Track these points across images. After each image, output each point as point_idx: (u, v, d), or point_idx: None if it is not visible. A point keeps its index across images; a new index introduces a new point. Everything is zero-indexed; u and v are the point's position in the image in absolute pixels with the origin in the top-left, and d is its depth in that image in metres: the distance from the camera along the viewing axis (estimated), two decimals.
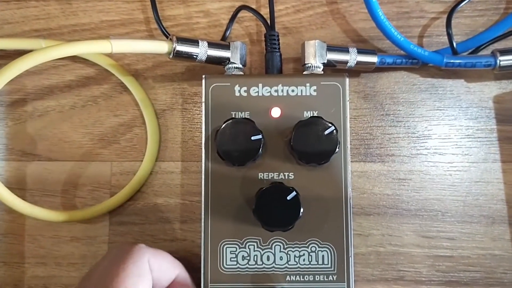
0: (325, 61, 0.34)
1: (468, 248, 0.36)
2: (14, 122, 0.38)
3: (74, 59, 0.38)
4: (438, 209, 0.36)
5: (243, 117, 0.32)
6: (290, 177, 0.31)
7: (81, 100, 0.38)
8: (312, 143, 0.30)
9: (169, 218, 0.37)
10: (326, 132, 0.30)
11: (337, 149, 0.30)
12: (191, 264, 0.34)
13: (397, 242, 0.36)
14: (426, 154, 0.37)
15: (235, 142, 0.30)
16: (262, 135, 0.30)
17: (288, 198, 0.30)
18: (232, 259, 0.31)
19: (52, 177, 0.37)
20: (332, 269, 0.31)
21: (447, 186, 0.37)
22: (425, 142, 0.37)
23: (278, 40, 0.35)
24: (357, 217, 0.36)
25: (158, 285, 0.30)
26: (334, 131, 0.30)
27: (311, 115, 0.31)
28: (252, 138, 0.30)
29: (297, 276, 0.31)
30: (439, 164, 0.37)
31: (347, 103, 0.32)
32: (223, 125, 0.31)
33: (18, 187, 0.37)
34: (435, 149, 0.37)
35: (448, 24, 0.35)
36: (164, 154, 0.37)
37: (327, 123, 0.30)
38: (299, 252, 0.31)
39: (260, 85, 0.32)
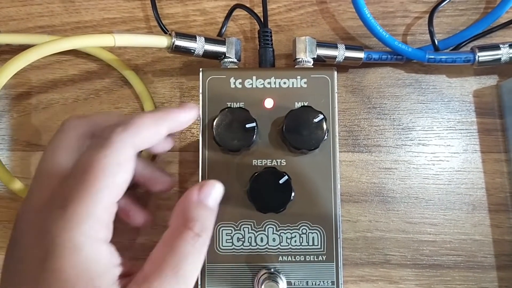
0: (315, 56, 0.36)
1: (450, 233, 0.38)
2: (19, 114, 0.40)
3: (77, 54, 0.40)
4: (422, 197, 0.38)
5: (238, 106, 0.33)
6: (282, 164, 0.33)
7: (84, 93, 0.40)
8: (302, 130, 0.32)
9: (167, 206, 0.38)
10: (316, 120, 0.32)
11: (325, 136, 0.32)
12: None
13: (384, 227, 0.38)
14: (410, 145, 0.39)
15: (231, 130, 0.32)
16: (256, 123, 0.32)
17: (280, 182, 0.32)
18: (227, 241, 0.33)
19: None
20: (322, 249, 0.33)
21: (430, 175, 0.39)
22: (410, 134, 0.39)
23: (271, 36, 0.37)
24: (345, 204, 0.38)
25: (151, 146, 0.29)
26: (323, 119, 0.32)
27: (302, 105, 0.33)
28: (247, 125, 0.32)
29: (289, 257, 0.33)
30: (423, 154, 0.39)
31: (336, 94, 0.34)
32: (220, 114, 0.32)
33: (23, 176, 0.39)
34: (419, 140, 0.39)
35: (430, 23, 0.38)
36: None
37: (316, 112, 0.32)
38: (291, 234, 0.33)
39: (254, 77, 0.34)
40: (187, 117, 0.30)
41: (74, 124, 0.30)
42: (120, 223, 0.28)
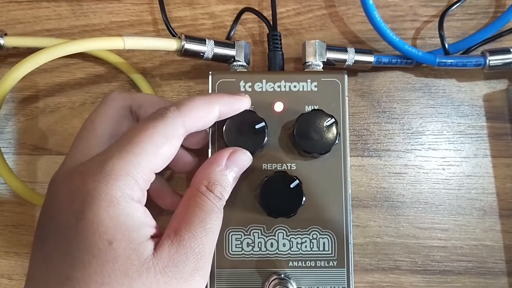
0: (325, 60, 0.36)
1: (461, 239, 0.38)
2: (26, 118, 0.39)
3: (84, 57, 0.39)
4: (432, 202, 0.38)
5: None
6: (293, 168, 0.33)
7: (91, 97, 0.39)
8: (313, 134, 0.32)
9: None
10: (327, 123, 0.32)
11: (337, 140, 0.32)
12: None
13: (393, 233, 0.38)
14: (420, 150, 0.39)
15: (241, 133, 0.32)
16: (265, 123, 0.32)
17: (291, 186, 0.31)
18: (237, 246, 0.33)
19: None
20: (333, 255, 0.32)
21: (441, 180, 0.38)
22: (419, 138, 0.39)
23: (280, 40, 0.37)
24: (355, 209, 0.38)
25: (203, 129, 0.31)
26: (335, 123, 0.32)
27: (313, 108, 0.33)
28: (256, 126, 0.32)
29: (299, 262, 0.32)
30: (433, 159, 0.39)
31: (346, 98, 0.34)
32: (228, 118, 0.32)
33: (29, 180, 0.38)
34: (429, 144, 0.39)
35: (440, 27, 0.37)
36: None
37: (328, 115, 0.32)
38: (301, 239, 0.33)
39: (264, 81, 0.34)
40: (238, 104, 0.32)
41: (113, 97, 0.31)
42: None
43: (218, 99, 0.30)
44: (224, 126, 0.32)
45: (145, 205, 0.28)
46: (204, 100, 0.30)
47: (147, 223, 0.27)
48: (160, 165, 0.28)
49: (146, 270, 0.25)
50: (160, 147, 0.27)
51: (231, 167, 0.30)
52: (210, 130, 0.33)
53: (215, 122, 0.31)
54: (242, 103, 0.32)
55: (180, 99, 0.30)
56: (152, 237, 0.27)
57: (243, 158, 0.31)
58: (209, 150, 0.33)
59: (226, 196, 0.29)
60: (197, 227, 0.27)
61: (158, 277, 0.25)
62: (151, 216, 0.28)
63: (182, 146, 0.33)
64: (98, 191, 0.25)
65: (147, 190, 0.33)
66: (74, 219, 0.25)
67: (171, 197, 0.35)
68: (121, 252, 0.25)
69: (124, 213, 0.25)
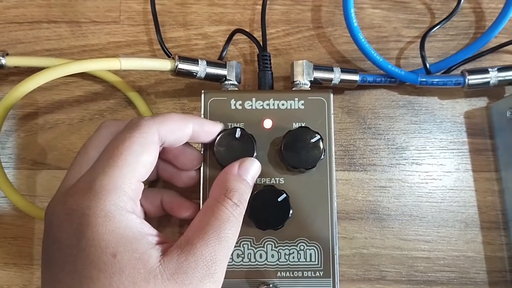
0: (312, 79, 0.38)
1: (443, 250, 0.39)
2: (26, 134, 0.41)
3: (83, 76, 0.41)
4: (416, 214, 0.40)
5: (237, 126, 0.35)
6: (281, 182, 0.34)
7: (89, 114, 0.41)
8: (300, 150, 0.33)
9: (169, 221, 0.39)
10: (313, 140, 0.33)
11: (322, 156, 0.33)
12: None
13: (379, 244, 0.39)
14: (404, 164, 0.40)
15: (230, 149, 0.33)
16: (253, 137, 0.34)
17: (279, 199, 0.33)
18: None
19: None
20: (319, 266, 0.34)
21: (424, 193, 0.40)
22: (404, 153, 0.40)
23: (270, 60, 0.39)
24: (342, 222, 0.39)
25: (177, 144, 0.32)
26: (320, 139, 0.33)
27: (300, 126, 0.35)
28: (244, 140, 0.34)
29: (287, 272, 0.34)
30: (416, 173, 0.40)
31: (332, 115, 0.35)
32: (219, 135, 0.34)
33: (28, 193, 0.40)
34: (412, 159, 0.40)
35: (422, 47, 0.39)
36: None
37: (313, 132, 0.34)
38: (289, 250, 0.34)
39: (254, 99, 0.36)
40: (211, 127, 0.33)
41: (106, 124, 0.32)
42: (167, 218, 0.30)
43: (193, 118, 0.32)
44: (216, 141, 0.33)
45: (162, 218, 0.28)
46: (179, 116, 0.31)
47: (147, 232, 0.27)
48: (143, 174, 0.29)
49: (153, 277, 0.25)
50: (140, 155, 0.28)
51: (244, 174, 0.31)
52: (203, 146, 0.35)
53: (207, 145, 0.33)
54: (214, 127, 0.33)
55: (158, 113, 0.32)
56: (158, 244, 0.27)
57: (253, 165, 0.32)
58: (201, 169, 0.34)
59: (244, 204, 0.30)
60: (210, 235, 0.27)
61: (166, 283, 0.25)
62: (149, 225, 0.28)
63: (176, 167, 0.34)
64: (92, 209, 0.26)
65: (163, 205, 0.35)
66: (75, 239, 0.26)
67: (187, 207, 0.36)
68: (126, 263, 0.25)
69: (121, 225, 0.26)
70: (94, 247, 0.25)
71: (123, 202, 0.27)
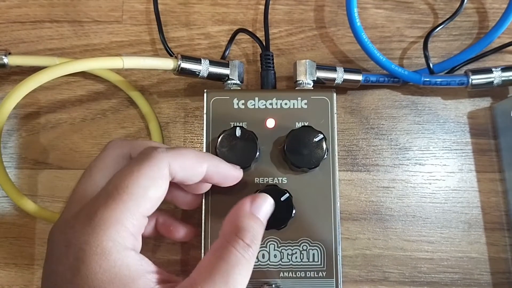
0: (315, 79, 0.38)
1: (447, 251, 0.39)
2: (27, 133, 0.41)
3: (85, 75, 0.41)
4: (419, 215, 0.39)
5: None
6: (283, 181, 0.34)
7: (91, 113, 0.41)
8: (303, 149, 0.33)
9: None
10: (316, 139, 0.33)
11: (325, 155, 0.33)
12: (192, 265, 0.36)
13: (382, 245, 0.39)
14: (407, 165, 0.40)
15: (233, 149, 0.33)
16: (254, 134, 0.33)
17: (282, 199, 0.33)
18: None
19: (62, 184, 0.40)
20: (322, 266, 0.34)
21: (427, 194, 0.40)
22: (407, 154, 0.40)
23: (273, 59, 0.39)
24: (344, 222, 0.39)
25: (188, 182, 0.30)
26: (323, 138, 0.33)
27: (303, 125, 0.35)
28: (246, 139, 0.34)
29: (290, 273, 0.34)
30: (420, 174, 0.40)
31: (335, 115, 0.35)
32: (222, 135, 0.34)
33: (30, 193, 0.40)
34: (415, 160, 0.40)
35: (425, 47, 0.39)
36: None
37: (316, 131, 0.33)
38: (292, 250, 0.34)
39: (257, 98, 0.35)
40: (228, 170, 0.32)
41: (112, 145, 0.31)
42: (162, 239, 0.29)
43: (210, 158, 0.31)
44: (218, 141, 0.33)
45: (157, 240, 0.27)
46: (195, 153, 0.30)
47: (146, 270, 0.26)
48: (149, 209, 0.27)
49: None
50: (147, 190, 0.27)
51: (257, 211, 0.29)
52: (204, 144, 0.35)
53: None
54: (231, 171, 0.32)
55: (174, 146, 0.30)
56: (159, 284, 0.26)
57: (266, 202, 0.30)
58: None
59: (257, 244, 0.28)
60: (217, 280, 0.25)
61: None
62: (150, 262, 0.27)
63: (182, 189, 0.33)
64: (89, 244, 0.25)
65: (157, 227, 0.34)
66: (70, 274, 0.25)
67: (182, 229, 0.35)
68: None
69: (117, 264, 0.25)
70: (88, 286, 0.24)
71: (122, 238, 0.26)
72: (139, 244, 0.27)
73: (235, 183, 0.32)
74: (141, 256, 0.27)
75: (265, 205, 0.30)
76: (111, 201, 0.26)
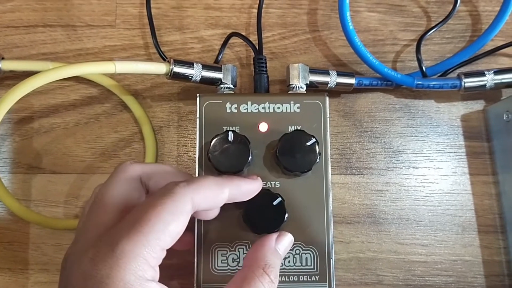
0: (308, 82, 0.38)
1: (441, 254, 0.39)
2: (21, 138, 0.41)
3: (79, 80, 0.41)
4: (413, 218, 0.39)
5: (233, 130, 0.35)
6: (276, 185, 0.34)
7: (84, 118, 0.41)
8: (295, 153, 0.33)
9: None
10: (308, 143, 0.33)
11: (318, 159, 0.33)
12: (185, 268, 0.36)
13: (376, 248, 0.39)
14: (401, 168, 0.40)
15: (225, 153, 0.33)
16: (246, 138, 0.33)
17: (274, 203, 0.33)
18: (223, 261, 0.34)
19: (55, 189, 0.40)
20: (315, 270, 0.34)
21: (421, 197, 0.40)
22: (400, 157, 0.40)
23: (266, 63, 0.39)
24: (338, 226, 0.39)
25: (211, 209, 0.31)
26: (316, 143, 0.33)
27: (295, 129, 0.35)
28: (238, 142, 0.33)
29: (283, 277, 0.33)
30: (413, 177, 0.40)
31: (327, 119, 0.35)
32: (214, 139, 0.34)
33: (23, 198, 0.40)
34: (409, 163, 0.40)
35: (418, 50, 0.39)
36: None
37: (309, 135, 0.33)
38: None
39: (249, 102, 0.35)
40: (249, 187, 0.32)
41: (124, 169, 0.31)
42: None
43: (229, 181, 0.31)
44: (210, 145, 0.33)
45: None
46: (215, 181, 0.30)
47: None
48: (168, 243, 0.27)
49: None
50: (168, 225, 0.27)
51: (280, 249, 0.31)
52: (197, 148, 0.35)
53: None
54: (252, 185, 0.32)
55: (189, 175, 0.31)
56: None
57: (290, 240, 0.32)
58: (196, 167, 0.34)
59: (277, 281, 0.29)
60: None
61: None
62: None
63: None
64: (111, 278, 0.25)
65: None
66: None
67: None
68: None
69: None
70: None
71: (143, 271, 0.25)
72: (157, 274, 0.27)
73: (257, 193, 0.33)
74: (161, 285, 0.27)
75: (288, 243, 0.32)
76: (133, 234, 0.26)
